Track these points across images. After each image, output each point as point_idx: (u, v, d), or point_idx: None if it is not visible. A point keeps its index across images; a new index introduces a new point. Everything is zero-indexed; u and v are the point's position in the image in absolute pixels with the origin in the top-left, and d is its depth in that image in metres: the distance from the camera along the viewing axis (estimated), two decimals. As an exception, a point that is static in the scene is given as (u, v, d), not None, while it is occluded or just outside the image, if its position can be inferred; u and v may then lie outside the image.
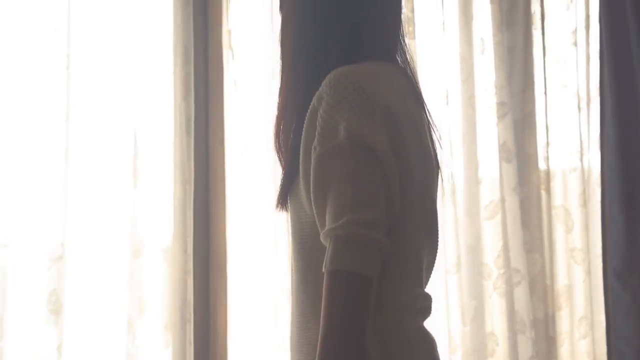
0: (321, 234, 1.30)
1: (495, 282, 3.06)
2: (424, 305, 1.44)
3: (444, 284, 3.00)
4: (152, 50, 2.62)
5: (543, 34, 3.25)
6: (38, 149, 2.40)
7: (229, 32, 2.77)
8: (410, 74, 1.54)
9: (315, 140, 1.32)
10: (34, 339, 2.36)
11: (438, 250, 1.51)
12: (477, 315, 3.06)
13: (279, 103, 1.53)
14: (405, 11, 2.95)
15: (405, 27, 2.93)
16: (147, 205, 2.57)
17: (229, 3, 2.78)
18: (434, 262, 1.51)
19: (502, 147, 3.10)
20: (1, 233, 2.31)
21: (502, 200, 3.08)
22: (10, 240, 2.32)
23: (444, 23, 3.10)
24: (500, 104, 3.11)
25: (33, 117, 2.40)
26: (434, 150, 1.53)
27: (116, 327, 2.51)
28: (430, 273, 1.51)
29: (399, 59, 1.54)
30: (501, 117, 3.11)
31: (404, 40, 1.56)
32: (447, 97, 3.07)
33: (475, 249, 3.08)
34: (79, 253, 2.45)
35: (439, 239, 1.51)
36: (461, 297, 3.03)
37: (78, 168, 2.45)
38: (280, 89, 1.53)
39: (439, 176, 1.56)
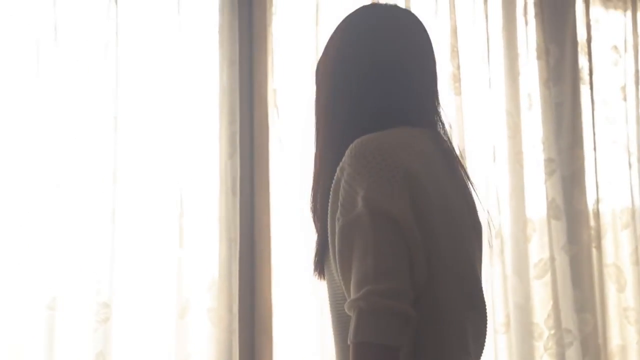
0: (345, 305, 1.27)
1: (546, 343, 2.99)
2: None
3: (493, 344, 2.93)
4: (198, 110, 2.64)
5: (591, 89, 3.21)
6: (85, 210, 2.41)
7: (275, 91, 2.77)
8: (446, 137, 1.51)
9: (338, 211, 1.31)
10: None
11: (487, 316, 1.46)
12: (528, 377, 2.99)
13: (314, 171, 1.53)
14: (452, 69, 2.94)
15: (451, 84, 2.94)
16: (193, 264, 2.56)
17: (274, 62, 2.79)
18: (483, 329, 1.44)
19: (551, 204, 3.05)
20: (48, 294, 2.31)
21: (552, 258, 3.03)
22: (57, 301, 2.32)
23: (490, 79, 3.07)
24: (549, 161, 3.07)
25: (80, 179, 2.42)
26: (473, 213, 1.49)
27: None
28: (481, 341, 1.44)
29: (437, 124, 1.51)
30: (549, 173, 3.07)
31: (438, 104, 1.53)
32: (494, 153, 3.03)
33: (524, 309, 3.02)
34: (125, 313, 2.44)
35: (485, 303, 1.45)
36: (511, 357, 2.96)
37: (125, 228, 2.46)
38: (315, 156, 1.53)
39: (481, 239, 1.52)
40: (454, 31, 2.98)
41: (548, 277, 3.02)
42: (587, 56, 3.23)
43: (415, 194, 1.30)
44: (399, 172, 1.29)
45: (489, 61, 3.08)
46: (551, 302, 3.01)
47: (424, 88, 1.50)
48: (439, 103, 1.53)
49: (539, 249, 3.06)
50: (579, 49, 3.23)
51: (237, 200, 2.66)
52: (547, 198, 3.06)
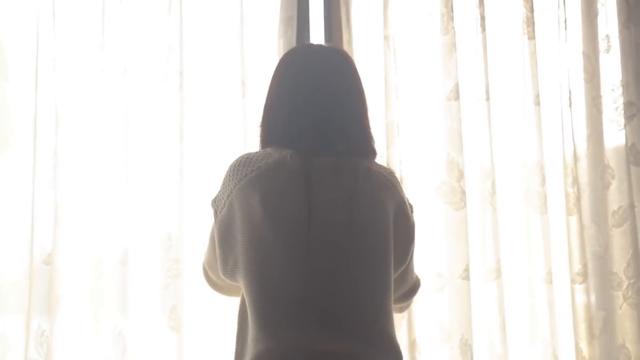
0: None
1: (626, 292, 2.91)
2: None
3: (570, 294, 2.88)
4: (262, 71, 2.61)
5: (674, 27, 3.06)
6: (154, 167, 2.45)
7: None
8: (329, 157, 1.67)
9: None
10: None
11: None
12: (607, 327, 2.92)
13: None
14: (524, 12, 2.83)
15: (524, 28, 2.84)
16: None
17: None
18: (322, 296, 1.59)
19: (631, 150, 2.94)
20: (120, 251, 2.36)
21: (631, 206, 2.93)
22: (129, 258, 2.38)
23: (565, 20, 2.96)
24: (628, 104, 2.96)
25: (149, 136, 2.46)
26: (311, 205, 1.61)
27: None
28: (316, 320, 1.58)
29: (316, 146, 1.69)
30: (629, 118, 2.95)
31: (335, 129, 1.73)
32: (569, 98, 2.93)
33: (602, 258, 2.94)
34: (196, 269, 2.46)
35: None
36: (588, 308, 2.89)
37: (193, 185, 2.47)
38: None
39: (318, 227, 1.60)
40: (527, -28, 2.88)
41: (627, 226, 2.93)
42: (670, -7, 3.07)
43: (237, 199, 1.64)
44: (232, 184, 1.67)
45: (564, 2, 2.97)
46: (631, 251, 2.92)
47: (309, 118, 1.72)
48: (366, 130, 1.78)
49: (618, 196, 2.96)
50: (661, -15, 3.08)
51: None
52: (626, 143, 2.96)
